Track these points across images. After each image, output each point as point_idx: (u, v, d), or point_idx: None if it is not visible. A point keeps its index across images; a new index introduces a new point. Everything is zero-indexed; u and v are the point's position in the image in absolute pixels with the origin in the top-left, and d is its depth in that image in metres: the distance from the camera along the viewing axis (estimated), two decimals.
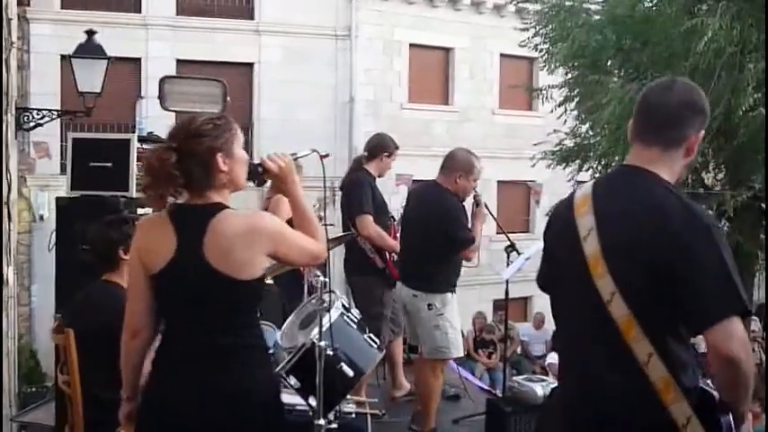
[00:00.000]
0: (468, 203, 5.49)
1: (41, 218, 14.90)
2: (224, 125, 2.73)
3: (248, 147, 16.26)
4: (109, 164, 5.38)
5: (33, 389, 11.30)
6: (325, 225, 3.36)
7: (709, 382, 2.37)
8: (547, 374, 14.04)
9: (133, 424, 2.91)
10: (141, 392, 2.84)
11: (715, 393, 2.31)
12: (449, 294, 5.31)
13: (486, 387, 8.47)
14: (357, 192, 5.74)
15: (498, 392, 8.44)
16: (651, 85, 2.53)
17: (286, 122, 16.05)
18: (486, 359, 13.77)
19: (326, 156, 3.38)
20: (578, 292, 2.38)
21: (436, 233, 5.14)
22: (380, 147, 6.07)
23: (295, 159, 2.99)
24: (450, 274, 5.35)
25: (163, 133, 6.58)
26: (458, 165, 5.32)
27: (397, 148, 6.07)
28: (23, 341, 12.61)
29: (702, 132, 2.43)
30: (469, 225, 5.36)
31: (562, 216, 2.53)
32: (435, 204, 5.29)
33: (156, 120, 8.65)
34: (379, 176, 6.01)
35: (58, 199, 5.42)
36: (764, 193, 12.37)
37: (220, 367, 2.67)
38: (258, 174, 2.85)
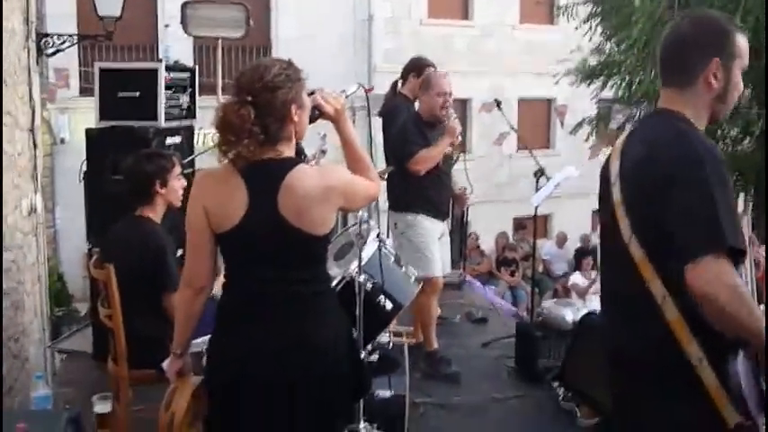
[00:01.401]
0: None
1: (62, 141, 14.92)
2: (293, 74, 2.66)
3: None
4: (136, 93, 5.33)
5: (62, 312, 11.47)
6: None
7: None
8: (569, 293, 14.19)
9: (185, 380, 2.93)
10: (209, 347, 2.81)
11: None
12: (417, 216, 5.35)
13: (513, 308, 8.51)
14: (392, 119, 5.69)
15: (522, 312, 8.54)
16: (668, 26, 2.51)
17: (305, 42, 15.82)
18: (508, 277, 13.86)
19: (371, 89, 3.34)
20: (612, 234, 2.42)
21: (386, 150, 5.40)
22: (408, 68, 6.02)
23: (346, 97, 3.00)
24: (414, 195, 5.32)
25: (184, 59, 6.56)
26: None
27: (428, 65, 5.97)
28: (51, 263, 12.78)
29: (720, 59, 2.34)
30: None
31: (607, 160, 2.55)
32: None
33: (176, 43, 8.60)
34: (416, 98, 5.94)
35: (87, 130, 5.38)
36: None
37: (299, 315, 2.68)
38: (315, 116, 2.83)
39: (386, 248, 3.81)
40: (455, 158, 5.67)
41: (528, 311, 9.22)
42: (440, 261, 5.45)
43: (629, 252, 2.31)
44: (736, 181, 14.27)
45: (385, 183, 5.39)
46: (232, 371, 2.70)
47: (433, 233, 5.43)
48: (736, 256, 2.16)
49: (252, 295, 2.71)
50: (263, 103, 2.57)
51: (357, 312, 3.52)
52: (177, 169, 4.17)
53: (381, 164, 5.52)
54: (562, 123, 15.56)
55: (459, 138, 5.40)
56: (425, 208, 5.38)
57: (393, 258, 3.87)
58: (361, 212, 3.71)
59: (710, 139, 2.34)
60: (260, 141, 2.58)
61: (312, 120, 2.81)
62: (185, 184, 4.21)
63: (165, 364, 3.48)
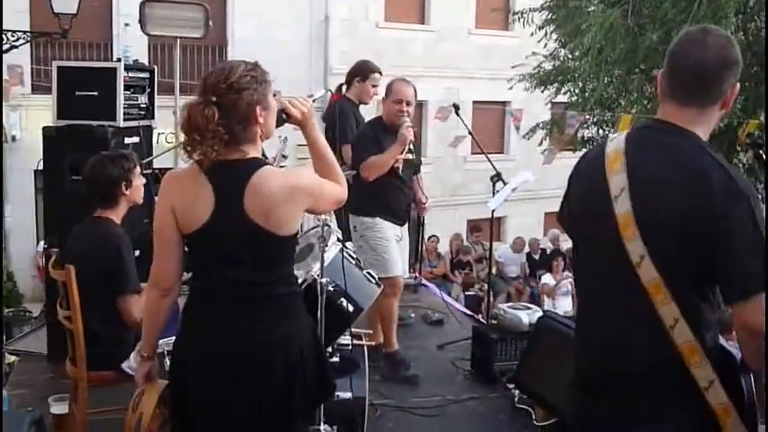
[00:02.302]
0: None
1: (14, 138, 14.69)
2: (259, 76, 2.69)
3: None
4: (95, 93, 5.29)
5: (12, 312, 11.31)
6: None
7: (729, 341, 2.41)
8: (521, 295, 14.34)
9: (153, 383, 2.94)
10: (174, 348, 2.83)
11: (735, 351, 2.34)
12: (376, 219, 5.39)
13: (469, 312, 8.58)
14: (340, 123, 5.73)
15: (478, 316, 8.61)
16: (683, 39, 2.39)
17: (261, 42, 15.76)
18: (462, 279, 13.97)
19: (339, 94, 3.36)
20: (607, 250, 2.35)
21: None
22: (353, 72, 6.05)
23: (313, 101, 3.02)
24: (372, 199, 5.33)
25: (139, 57, 6.52)
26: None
27: (373, 71, 6.01)
28: None
29: (737, 83, 2.35)
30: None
31: (593, 169, 2.45)
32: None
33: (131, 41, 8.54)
34: (362, 103, 5.98)
35: (45, 128, 5.34)
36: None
37: (261, 318, 2.70)
38: (282, 120, 2.85)
39: (347, 251, 3.84)
40: (417, 165, 5.71)
41: (481, 314, 9.32)
42: (399, 261, 5.50)
43: (635, 273, 2.27)
44: None
45: None
46: (197, 371, 2.71)
47: (392, 235, 5.47)
48: None
49: (218, 295, 2.73)
50: (228, 104, 2.59)
51: (318, 314, 3.54)
52: (138, 168, 4.17)
53: None
54: (518, 128, 15.71)
55: (411, 146, 5.42)
56: (383, 212, 5.42)
57: (354, 261, 3.90)
58: (324, 215, 3.75)
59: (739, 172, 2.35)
60: (225, 141, 2.60)
61: (279, 124, 2.82)
62: (145, 181, 4.22)
63: (125, 365, 3.49)
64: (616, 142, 2.44)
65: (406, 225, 5.76)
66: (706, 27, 2.42)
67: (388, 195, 5.42)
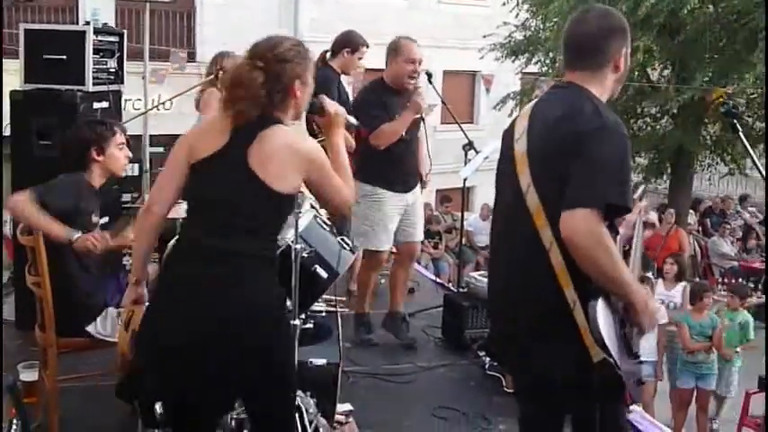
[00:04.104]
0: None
1: None
2: (304, 52, 2.88)
3: (191, 34, 15.97)
4: (63, 56, 5.19)
5: None
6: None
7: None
8: None
9: (140, 306, 3.09)
10: (152, 288, 2.97)
11: None
12: (376, 188, 5.32)
13: (439, 280, 8.61)
14: (320, 90, 5.61)
15: (447, 283, 8.65)
16: (570, 19, 2.82)
17: (230, 8, 15.58)
18: (432, 249, 13.99)
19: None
20: (508, 183, 2.69)
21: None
22: (342, 42, 5.95)
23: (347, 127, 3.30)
24: (374, 167, 5.23)
25: (109, 22, 6.39)
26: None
27: (363, 44, 5.94)
28: None
29: (626, 48, 2.72)
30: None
31: (512, 125, 2.82)
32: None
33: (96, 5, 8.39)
34: (344, 73, 5.91)
35: (12, 92, 5.22)
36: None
37: (235, 275, 2.73)
38: (315, 108, 3.06)
39: (320, 217, 3.82)
40: (420, 125, 5.59)
41: (451, 282, 9.36)
42: (389, 235, 5.44)
43: (525, 201, 2.58)
44: (654, 159, 14.70)
45: None
46: (162, 315, 2.81)
47: (392, 209, 5.40)
48: (618, 214, 2.55)
49: (195, 241, 2.82)
50: (272, 72, 2.77)
51: (292, 281, 3.52)
52: (119, 138, 4.04)
53: None
54: (488, 90, 15.69)
55: (425, 113, 5.37)
56: (385, 181, 5.33)
57: (327, 228, 3.88)
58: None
59: (615, 115, 2.62)
60: (262, 105, 2.77)
61: (311, 111, 3.04)
62: (130, 154, 4.14)
63: (91, 329, 3.55)
64: (532, 102, 2.85)
65: (418, 188, 5.62)
66: (592, 6, 2.81)
67: (393, 163, 5.31)
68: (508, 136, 2.78)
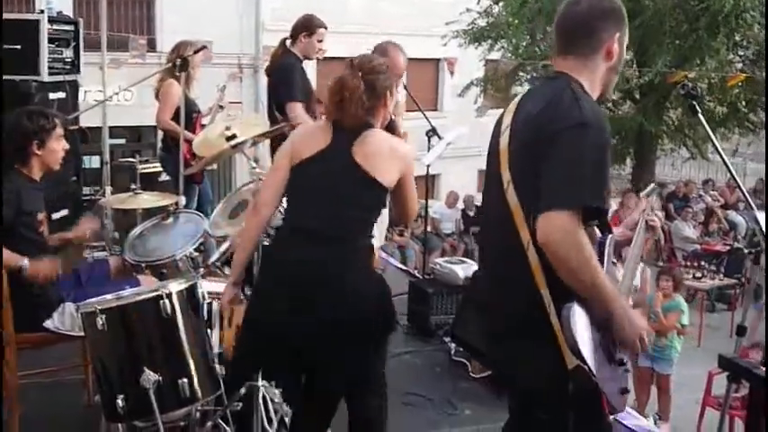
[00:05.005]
0: None
1: None
2: (390, 68, 3.24)
3: (151, 22, 15.77)
4: (17, 46, 5.10)
5: None
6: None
7: None
8: (455, 251, 14.46)
9: (236, 306, 3.32)
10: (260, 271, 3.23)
11: None
12: None
13: (405, 267, 8.61)
14: (284, 77, 5.57)
15: (412, 270, 8.65)
16: (564, 2, 2.65)
17: None
18: (397, 237, 14.00)
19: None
20: (493, 179, 2.58)
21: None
22: (299, 27, 5.89)
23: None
24: None
25: (66, 11, 6.27)
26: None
27: (319, 26, 5.89)
28: None
29: (620, 33, 2.55)
30: None
31: (502, 114, 2.68)
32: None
33: None
34: (306, 58, 5.86)
35: None
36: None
37: (344, 260, 3.00)
38: (389, 126, 3.29)
39: (282, 206, 3.79)
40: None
41: (417, 269, 9.37)
42: None
43: (506, 200, 2.47)
44: (618, 144, 14.81)
45: None
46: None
47: None
48: (595, 216, 2.42)
49: (301, 226, 3.05)
50: (370, 81, 3.06)
51: (255, 270, 3.49)
52: (59, 131, 3.94)
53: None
54: (452, 74, 15.66)
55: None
56: None
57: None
58: (258, 169, 3.72)
59: (599, 106, 2.50)
60: (363, 109, 3.04)
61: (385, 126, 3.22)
62: (67, 146, 4.04)
63: (48, 324, 3.50)
64: (520, 94, 2.71)
65: None
66: None
67: None
68: (496, 129, 2.65)
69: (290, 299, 2.96)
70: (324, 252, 2.97)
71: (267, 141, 5.00)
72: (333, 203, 3.01)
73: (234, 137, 3.98)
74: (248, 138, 3.99)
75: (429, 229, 14.81)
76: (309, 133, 3.22)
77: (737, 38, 13.25)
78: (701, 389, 7.70)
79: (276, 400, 3.74)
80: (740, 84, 13.12)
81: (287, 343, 3.04)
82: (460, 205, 15.98)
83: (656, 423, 7.47)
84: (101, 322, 3.07)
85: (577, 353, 2.35)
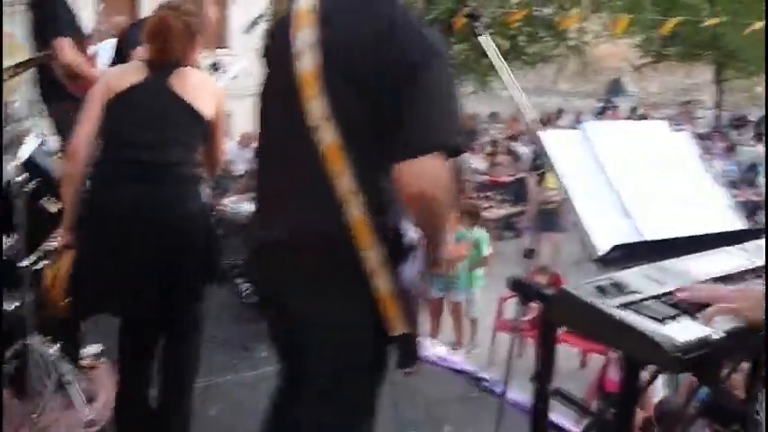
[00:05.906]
0: None
1: None
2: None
3: None
4: None
5: None
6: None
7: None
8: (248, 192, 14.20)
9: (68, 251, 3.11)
10: (82, 208, 3.04)
11: (408, 234, 2.21)
12: None
13: None
14: (49, 8, 4.92)
15: None
16: None
17: None
18: None
19: None
20: (288, 113, 2.14)
21: None
22: None
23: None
24: None
25: None
26: None
27: None
28: None
29: None
30: None
31: (281, 30, 2.24)
32: None
33: None
34: None
35: None
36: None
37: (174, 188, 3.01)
38: None
39: (45, 146, 3.50)
40: None
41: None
42: None
43: (314, 137, 2.07)
44: None
45: None
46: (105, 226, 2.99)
47: None
48: (453, 155, 2.07)
49: (123, 161, 2.98)
50: (186, 23, 3.12)
51: (15, 219, 3.19)
52: None
53: None
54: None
55: None
56: None
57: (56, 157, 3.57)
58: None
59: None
60: (181, 48, 3.12)
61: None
62: None
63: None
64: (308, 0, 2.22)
65: None
66: None
67: None
68: (281, 51, 2.18)
69: (121, 236, 2.93)
70: (154, 183, 2.96)
71: None
72: (158, 130, 3.01)
73: None
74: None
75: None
76: (122, 71, 3.21)
77: None
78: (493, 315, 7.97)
79: (51, 357, 3.48)
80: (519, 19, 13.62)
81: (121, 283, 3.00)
82: (255, 145, 15.71)
83: (453, 350, 7.68)
84: None
85: (411, 318, 2.12)
